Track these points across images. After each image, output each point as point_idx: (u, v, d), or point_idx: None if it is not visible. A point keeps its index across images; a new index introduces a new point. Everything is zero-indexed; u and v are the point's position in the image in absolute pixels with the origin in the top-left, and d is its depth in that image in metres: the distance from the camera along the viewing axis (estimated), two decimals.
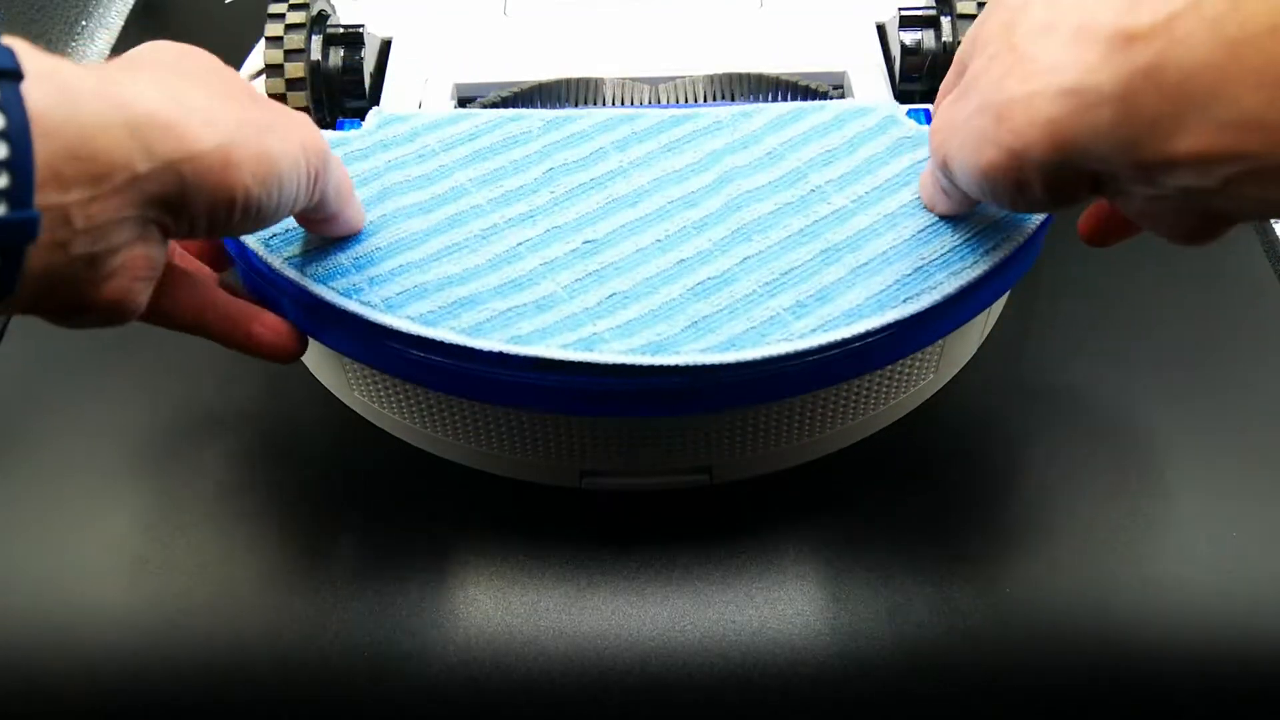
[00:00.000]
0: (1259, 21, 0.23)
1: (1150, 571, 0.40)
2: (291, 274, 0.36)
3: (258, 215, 0.30)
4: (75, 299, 0.27)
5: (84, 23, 0.64)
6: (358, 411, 0.45)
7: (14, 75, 0.23)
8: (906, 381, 0.42)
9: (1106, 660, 0.38)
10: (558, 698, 0.38)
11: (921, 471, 0.44)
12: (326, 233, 0.36)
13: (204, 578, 0.41)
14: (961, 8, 0.43)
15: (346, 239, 0.37)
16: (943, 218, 0.38)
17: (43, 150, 0.24)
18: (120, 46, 0.63)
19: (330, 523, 0.43)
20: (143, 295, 0.29)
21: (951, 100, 0.32)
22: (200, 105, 0.27)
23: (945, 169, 0.33)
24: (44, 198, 0.24)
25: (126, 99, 0.26)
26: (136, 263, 0.28)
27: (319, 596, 0.40)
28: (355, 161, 0.40)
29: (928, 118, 0.42)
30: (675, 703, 0.38)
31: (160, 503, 0.43)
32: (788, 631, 0.39)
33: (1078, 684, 0.38)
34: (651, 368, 0.34)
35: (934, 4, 0.46)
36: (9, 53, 0.24)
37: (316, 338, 0.37)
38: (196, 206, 0.28)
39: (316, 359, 0.45)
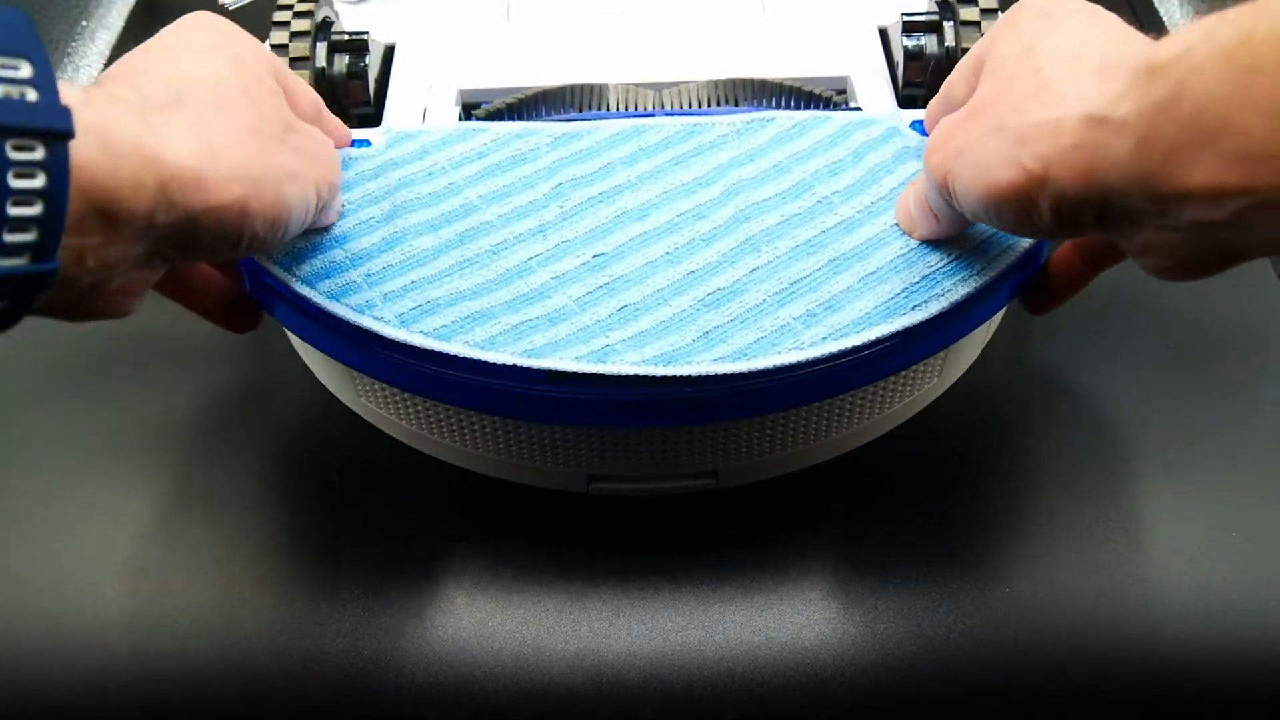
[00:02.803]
0: (1268, 52, 0.23)
1: (1150, 572, 0.40)
2: (304, 290, 0.36)
3: (258, 250, 0.31)
4: (73, 313, 0.29)
5: (84, 23, 0.64)
6: (362, 415, 0.45)
7: (64, 135, 0.24)
8: (911, 387, 0.43)
9: (1106, 660, 0.38)
10: (559, 700, 0.38)
11: (924, 475, 0.44)
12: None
13: (204, 578, 0.41)
14: (964, 13, 0.44)
15: (358, 256, 0.37)
16: (923, 241, 0.38)
17: (74, 206, 0.25)
18: (120, 47, 0.63)
19: (332, 524, 0.43)
20: (137, 305, 0.31)
21: (957, 120, 0.32)
22: (229, 152, 0.29)
23: (944, 188, 0.32)
24: (63, 242, 0.25)
25: (162, 155, 0.27)
26: (135, 285, 0.30)
27: (320, 597, 0.40)
28: (365, 180, 0.40)
29: None
30: (676, 705, 0.38)
31: (159, 503, 0.43)
32: (789, 633, 0.39)
33: (1078, 684, 0.38)
34: (665, 378, 0.34)
35: (936, 9, 0.46)
36: (66, 113, 0.24)
37: (328, 353, 0.38)
38: (202, 247, 0.29)
39: (322, 365, 0.45)
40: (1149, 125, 0.25)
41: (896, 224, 0.38)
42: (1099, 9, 0.30)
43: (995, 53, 0.31)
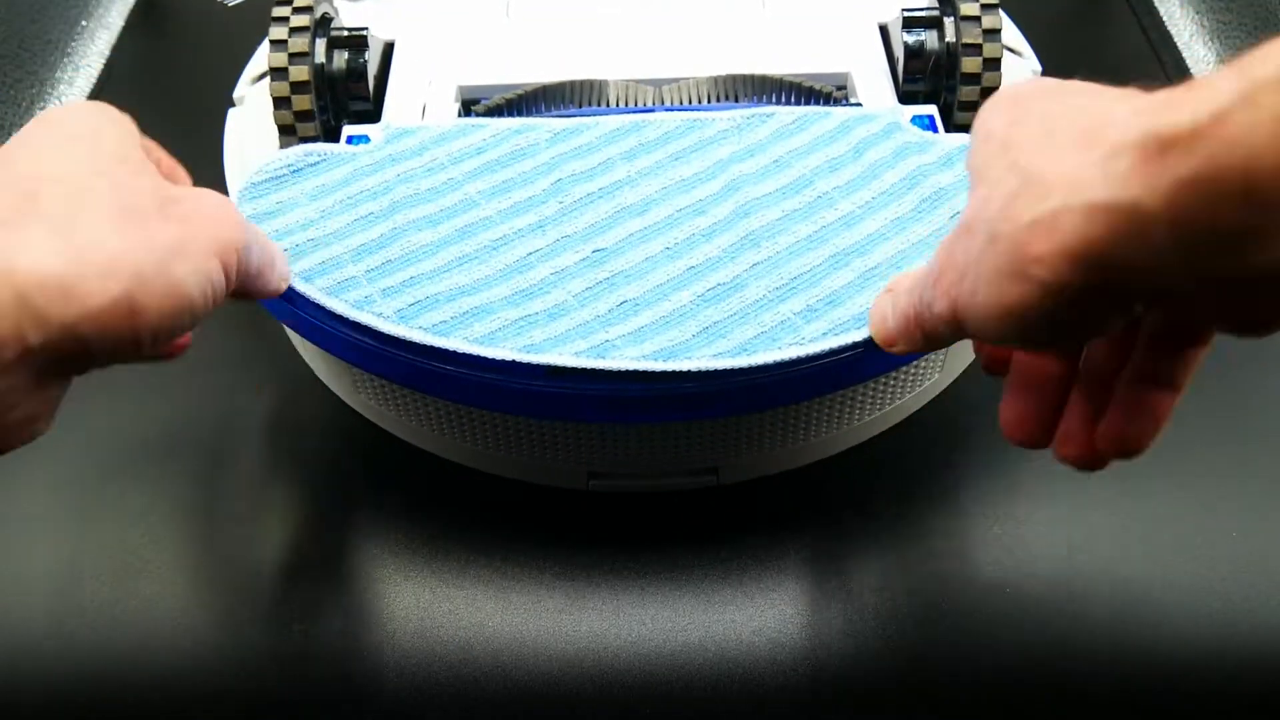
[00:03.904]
0: None
1: (1150, 571, 0.40)
2: (303, 286, 0.36)
3: (167, 342, 0.28)
4: None
5: (84, 23, 0.64)
6: (361, 413, 0.45)
7: None
8: (913, 382, 0.43)
9: (1106, 660, 0.38)
10: (558, 698, 0.38)
11: (926, 471, 0.44)
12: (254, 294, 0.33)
13: (203, 578, 0.41)
14: (964, 9, 0.44)
15: (357, 251, 0.37)
16: (884, 344, 0.34)
17: None
18: (120, 46, 0.63)
19: (329, 520, 0.43)
20: (49, 425, 0.28)
21: (954, 238, 0.28)
22: (99, 246, 0.25)
23: (955, 317, 0.28)
24: None
25: (14, 265, 0.24)
26: (38, 410, 0.27)
27: (319, 596, 0.40)
28: (364, 176, 0.40)
29: (931, 124, 0.43)
30: (675, 703, 0.38)
31: (159, 503, 0.43)
32: (789, 631, 0.39)
33: (1079, 684, 0.38)
34: (664, 373, 0.34)
35: (936, 5, 0.46)
36: None
37: (328, 350, 0.38)
38: (100, 358, 0.26)
39: (321, 361, 0.45)
40: (1180, 209, 0.22)
41: (896, 219, 0.38)
42: (1067, 83, 0.27)
43: (974, 159, 0.28)
